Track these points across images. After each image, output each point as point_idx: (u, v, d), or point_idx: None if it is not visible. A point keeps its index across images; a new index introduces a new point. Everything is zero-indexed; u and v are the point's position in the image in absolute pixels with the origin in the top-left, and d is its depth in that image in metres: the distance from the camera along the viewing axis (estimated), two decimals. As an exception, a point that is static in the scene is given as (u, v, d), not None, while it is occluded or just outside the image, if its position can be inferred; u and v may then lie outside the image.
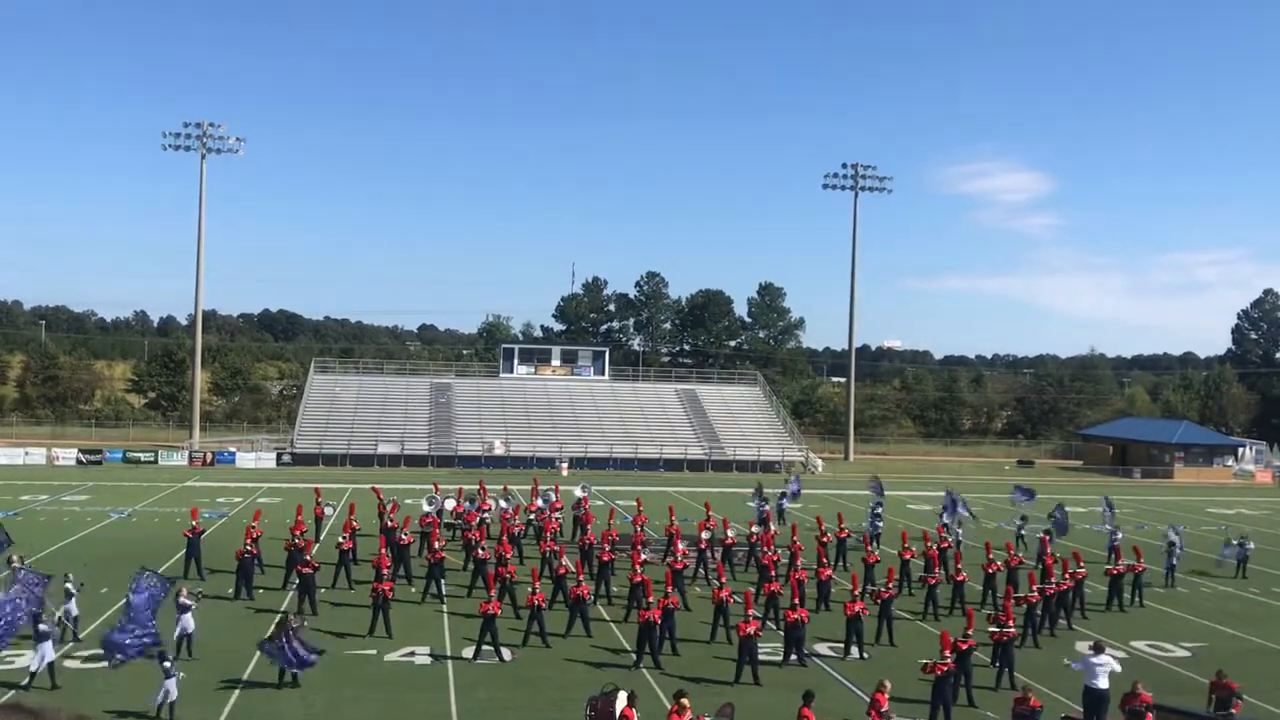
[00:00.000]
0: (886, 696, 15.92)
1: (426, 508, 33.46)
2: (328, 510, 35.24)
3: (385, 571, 23.29)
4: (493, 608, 20.88)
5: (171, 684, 16.77)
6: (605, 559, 27.08)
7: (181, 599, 20.53)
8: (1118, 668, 17.97)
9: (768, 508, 37.42)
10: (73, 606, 21.60)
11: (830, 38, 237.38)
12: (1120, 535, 33.21)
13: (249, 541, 26.44)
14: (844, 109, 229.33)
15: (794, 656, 21.08)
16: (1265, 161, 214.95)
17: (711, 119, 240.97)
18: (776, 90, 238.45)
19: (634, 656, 20.99)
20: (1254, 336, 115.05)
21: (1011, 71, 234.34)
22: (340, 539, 27.94)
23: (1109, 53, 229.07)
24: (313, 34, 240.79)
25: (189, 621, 20.24)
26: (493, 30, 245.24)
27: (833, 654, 22.06)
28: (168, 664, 16.98)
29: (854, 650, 21.84)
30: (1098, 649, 18.35)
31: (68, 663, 19.67)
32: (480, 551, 27.11)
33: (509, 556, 26.33)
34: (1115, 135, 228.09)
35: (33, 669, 18.27)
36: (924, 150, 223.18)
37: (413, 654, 21.30)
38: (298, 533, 27.88)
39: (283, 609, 23.74)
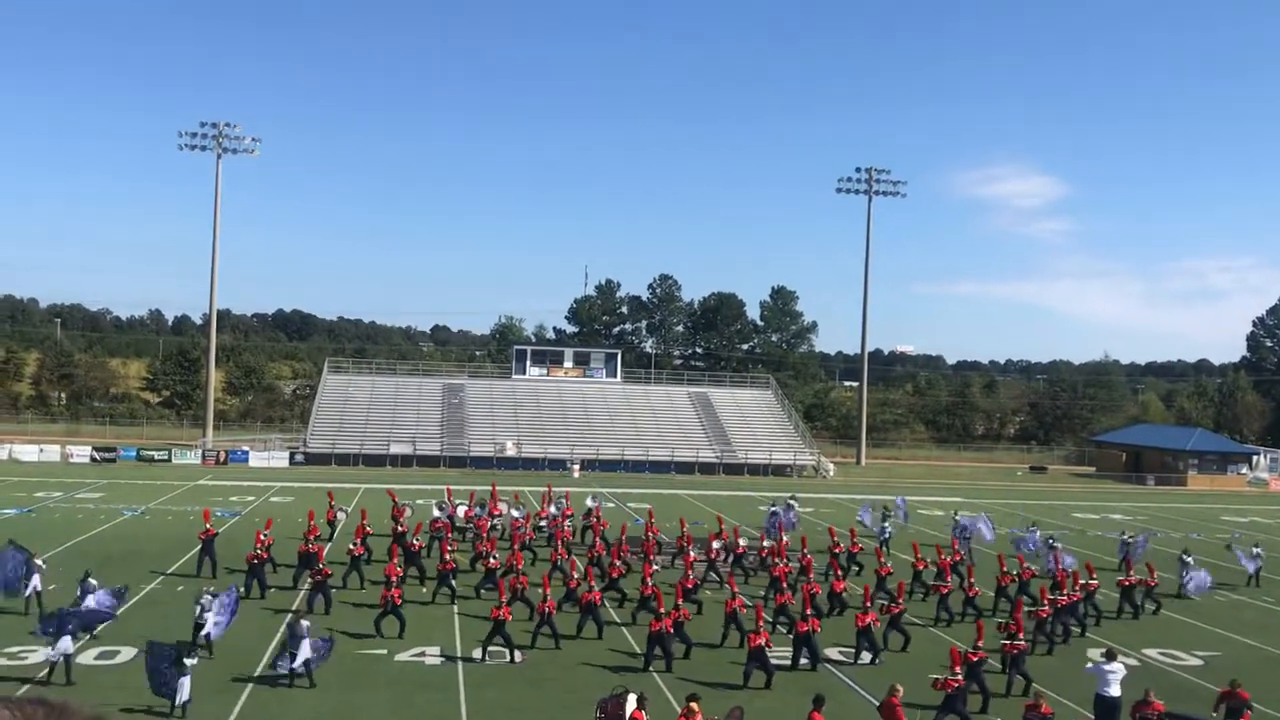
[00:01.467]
0: (900, 701, 15.87)
1: (437, 513, 33.50)
2: (340, 516, 35.23)
3: (394, 580, 23.29)
4: (504, 613, 20.92)
5: (185, 681, 16.85)
6: (615, 574, 26.91)
7: (203, 599, 20.71)
8: (1123, 671, 17.88)
9: (779, 518, 37.31)
10: (89, 601, 21.77)
11: (844, 42, 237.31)
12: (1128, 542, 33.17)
13: (259, 547, 26.41)
14: (857, 113, 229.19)
15: (804, 660, 21.04)
16: (1277, 169, 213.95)
17: (725, 122, 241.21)
18: (790, 94, 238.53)
19: (644, 659, 20.97)
20: (1269, 344, 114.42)
21: (1024, 76, 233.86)
22: (352, 544, 27.97)
23: (1121, 58, 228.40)
24: (327, 36, 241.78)
25: (208, 620, 20.37)
26: (506, 32, 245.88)
27: (844, 659, 22.02)
28: (191, 660, 17.07)
29: (865, 655, 21.80)
30: (1110, 656, 18.28)
31: (80, 658, 19.77)
32: (491, 561, 27.06)
33: (520, 567, 26.18)
34: (1127, 141, 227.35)
35: (52, 659, 18.41)
36: (937, 155, 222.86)
37: (423, 654, 21.34)
38: (312, 537, 27.86)
39: (294, 608, 23.82)
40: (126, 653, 20.26)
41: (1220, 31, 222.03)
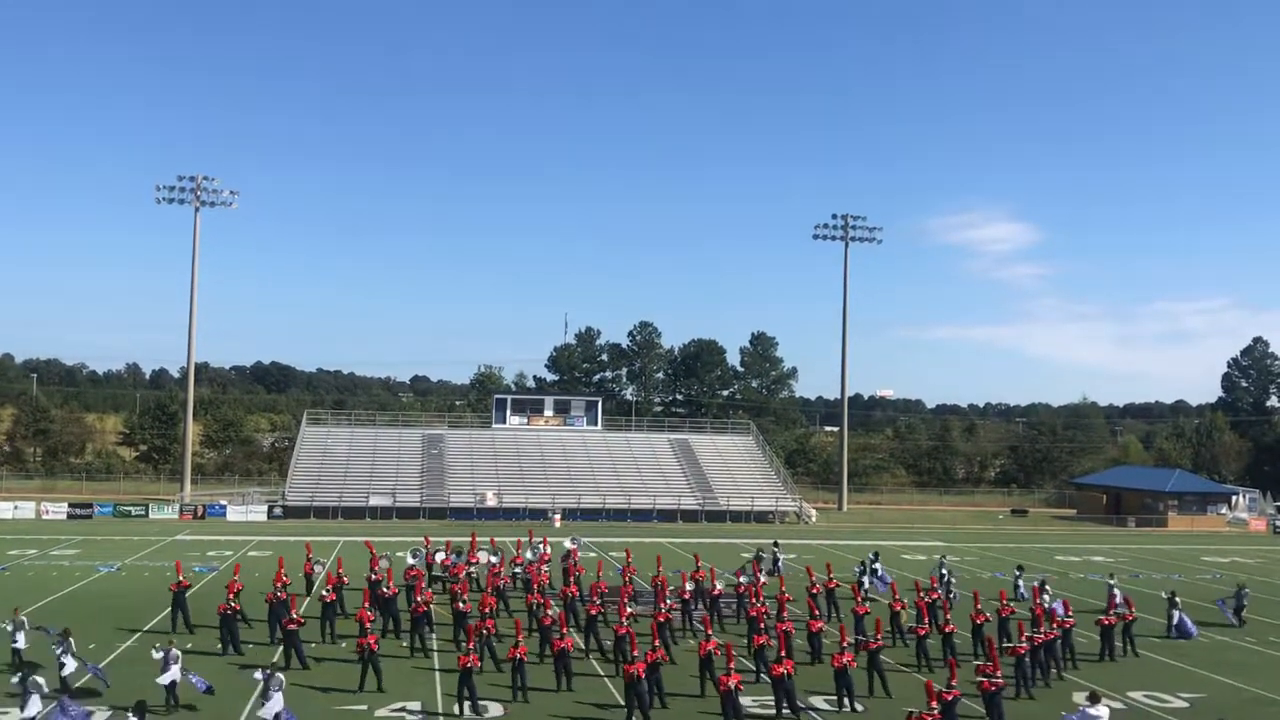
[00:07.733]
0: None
1: (411, 560, 33.25)
2: (317, 569, 34.86)
3: (369, 626, 23.05)
4: (471, 660, 20.66)
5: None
6: (593, 612, 26.66)
7: (169, 652, 20.46)
8: (1107, 715, 17.79)
9: (758, 563, 36.88)
10: (67, 661, 21.48)
11: (820, 90, 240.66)
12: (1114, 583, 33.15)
13: (231, 596, 26.11)
14: (834, 161, 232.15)
15: (786, 709, 20.82)
16: (1246, 212, 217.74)
17: (702, 170, 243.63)
18: (767, 142, 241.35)
19: (626, 711, 20.69)
20: (1244, 385, 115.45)
21: (997, 124, 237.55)
22: (324, 591, 27.69)
23: (1093, 105, 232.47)
24: (304, 89, 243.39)
25: (175, 673, 20.16)
26: (480, 87, 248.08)
27: (828, 706, 21.82)
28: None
29: (846, 703, 21.59)
30: (1094, 699, 18.21)
31: None
32: (462, 604, 26.79)
33: (488, 610, 25.91)
34: (1100, 186, 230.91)
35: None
36: (912, 202, 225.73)
37: (404, 709, 21.05)
38: (278, 585, 27.51)
39: (271, 662, 23.48)
40: (101, 714, 19.90)
41: (1190, 79, 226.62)
